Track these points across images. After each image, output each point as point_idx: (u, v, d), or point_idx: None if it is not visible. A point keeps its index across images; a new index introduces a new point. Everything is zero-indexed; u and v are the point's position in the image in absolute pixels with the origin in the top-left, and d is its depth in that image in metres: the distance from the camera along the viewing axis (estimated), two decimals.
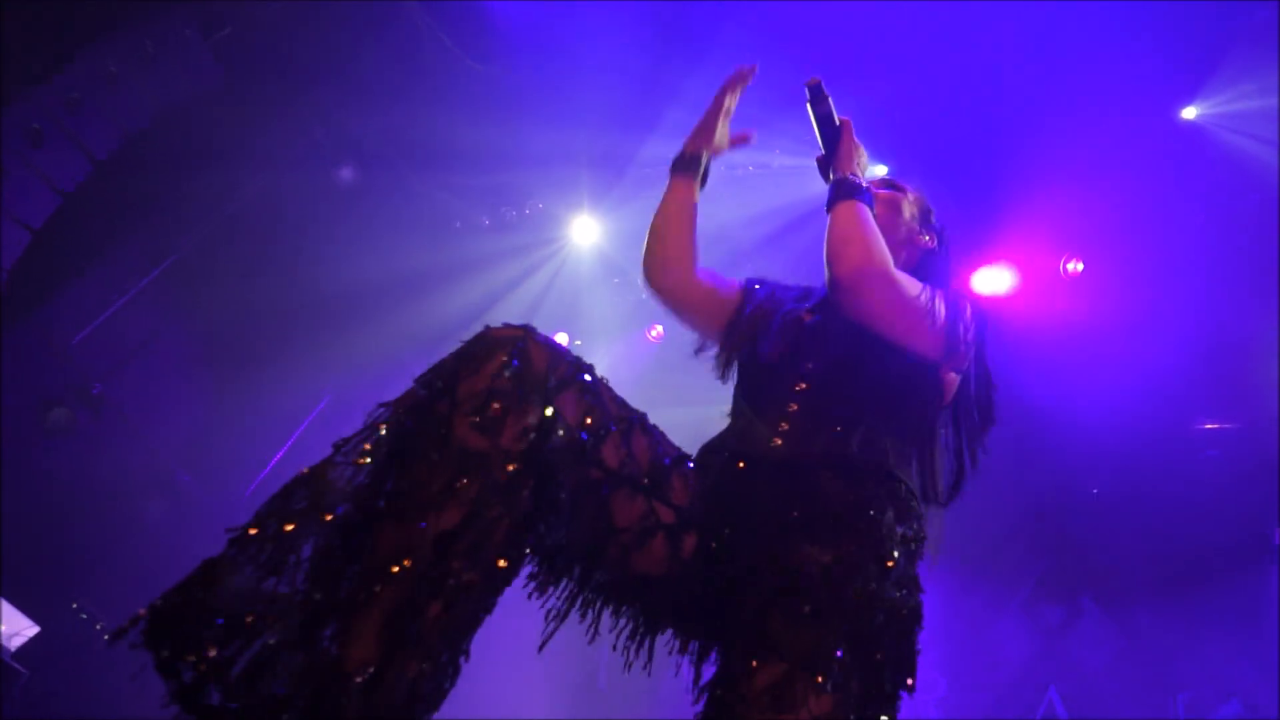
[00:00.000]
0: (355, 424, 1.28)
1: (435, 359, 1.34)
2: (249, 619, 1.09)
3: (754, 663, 1.35)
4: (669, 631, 1.56)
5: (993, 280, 5.03)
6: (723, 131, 1.85)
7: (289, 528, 1.15)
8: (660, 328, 6.03)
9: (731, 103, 1.85)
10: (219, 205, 4.96)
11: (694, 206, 1.83)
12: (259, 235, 5.14)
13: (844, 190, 1.68)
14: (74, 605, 4.42)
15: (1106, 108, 4.62)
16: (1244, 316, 4.83)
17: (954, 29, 4.43)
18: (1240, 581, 5.05)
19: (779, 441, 1.58)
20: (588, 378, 1.38)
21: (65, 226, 4.10)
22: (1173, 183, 4.74)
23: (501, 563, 1.25)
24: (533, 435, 1.27)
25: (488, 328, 1.35)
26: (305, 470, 1.22)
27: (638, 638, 1.53)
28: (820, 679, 1.32)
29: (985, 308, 1.75)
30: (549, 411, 1.30)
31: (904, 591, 1.45)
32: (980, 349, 1.73)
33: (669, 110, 4.71)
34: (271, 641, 1.08)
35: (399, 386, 1.32)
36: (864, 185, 1.71)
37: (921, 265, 1.86)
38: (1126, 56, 4.42)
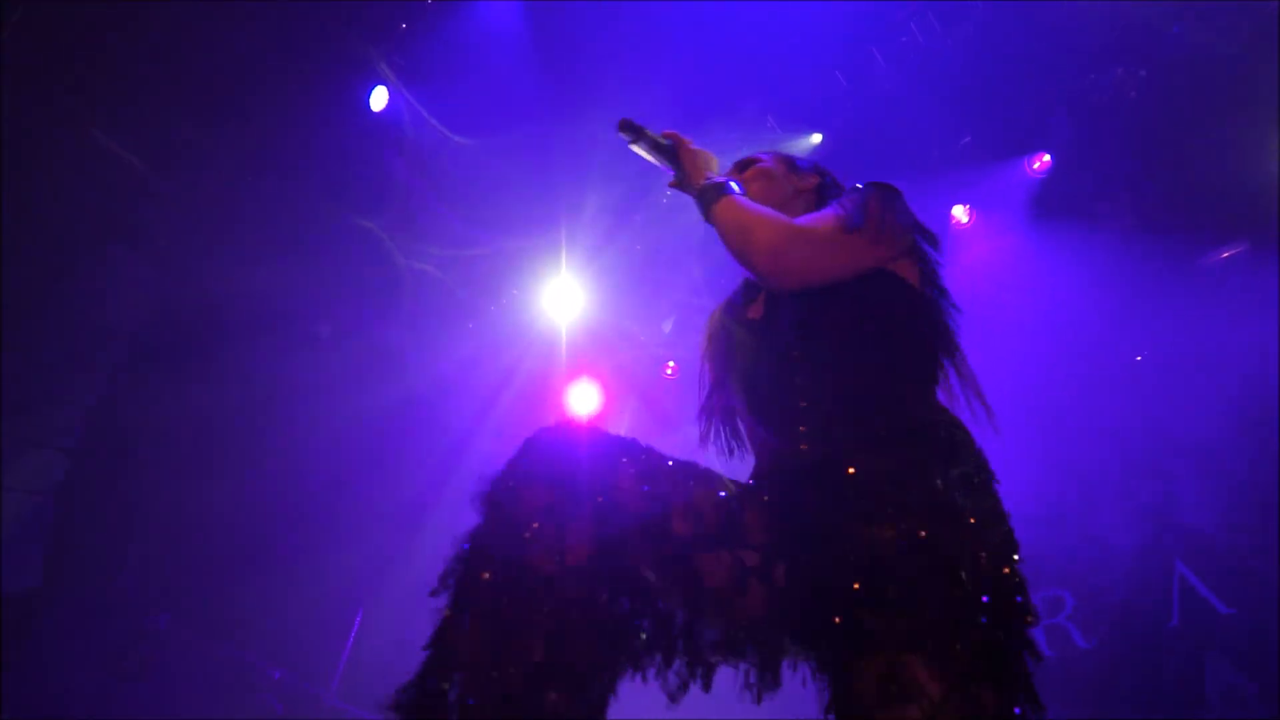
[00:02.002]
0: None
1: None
2: None
3: (858, 662, 1.32)
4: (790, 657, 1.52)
5: None
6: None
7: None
8: (673, 363, 6.01)
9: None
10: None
11: None
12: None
13: (708, 195, 1.68)
14: None
15: None
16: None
17: None
18: None
19: (805, 446, 1.55)
20: (640, 456, 1.41)
21: None
22: None
23: (599, 676, 1.25)
24: (599, 539, 1.27)
25: (535, 434, 1.38)
26: (431, 638, 1.23)
27: (766, 674, 1.48)
28: (926, 658, 1.28)
29: (888, 186, 1.70)
30: (608, 509, 1.30)
31: (981, 534, 1.40)
32: (914, 222, 1.68)
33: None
34: None
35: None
36: (723, 180, 1.71)
37: (821, 202, 1.85)
38: None
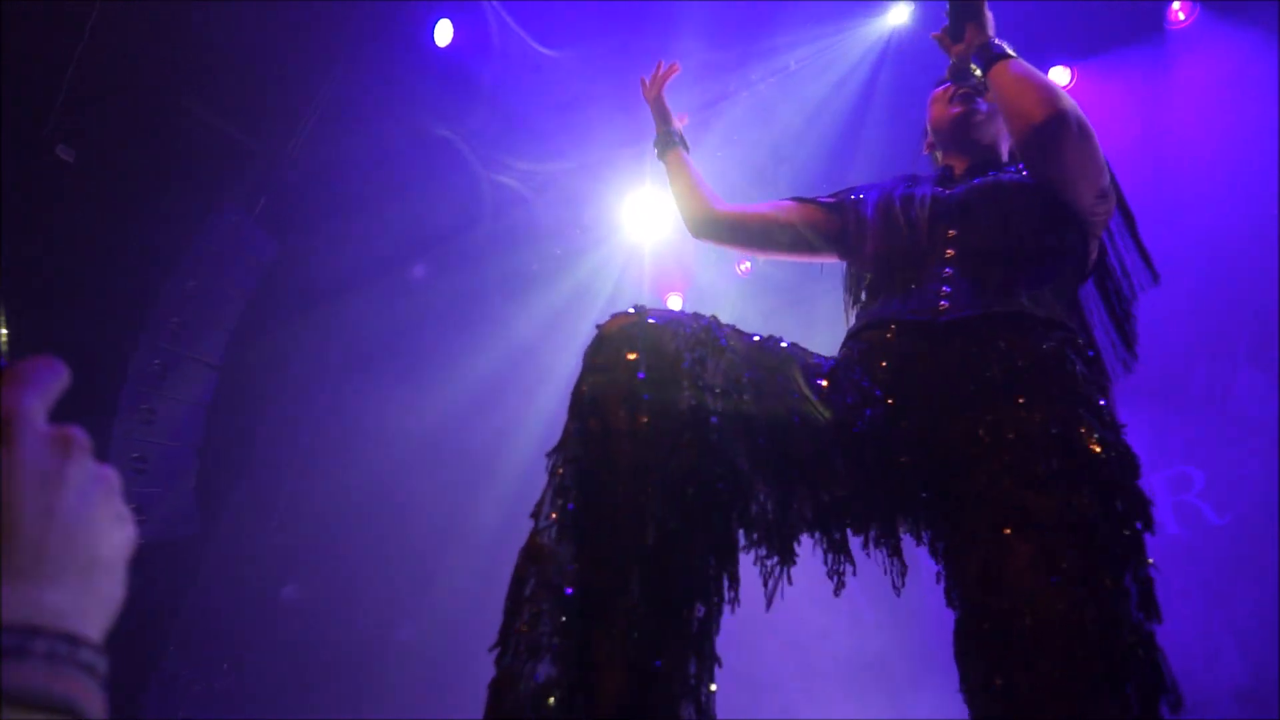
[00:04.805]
0: None
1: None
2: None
3: (1007, 534, 1.30)
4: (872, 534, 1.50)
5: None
6: (667, 110, 2.14)
7: (531, 615, 1.14)
8: (748, 263, 5.95)
9: (658, 91, 2.14)
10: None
11: (690, 165, 2.11)
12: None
13: (993, 51, 1.67)
14: None
15: None
16: None
17: None
18: None
19: (945, 305, 1.54)
20: (718, 335, 1.34)
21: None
22: None
23: (714, 556, 1.24)
24: (690, 424, 1.23)
25: (600, 328, 1.32)
26: (522, 548, 1.20)
27: (837, 552, 1.47)
28: (1076, 537, 1.27)
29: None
30: (696, 391, 1.25)
31: (1117, 435, 1.41)
32: (1122, 206, 1.72)
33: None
34: None
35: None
36: (1007, 49, 1.68)
37: None
38: None
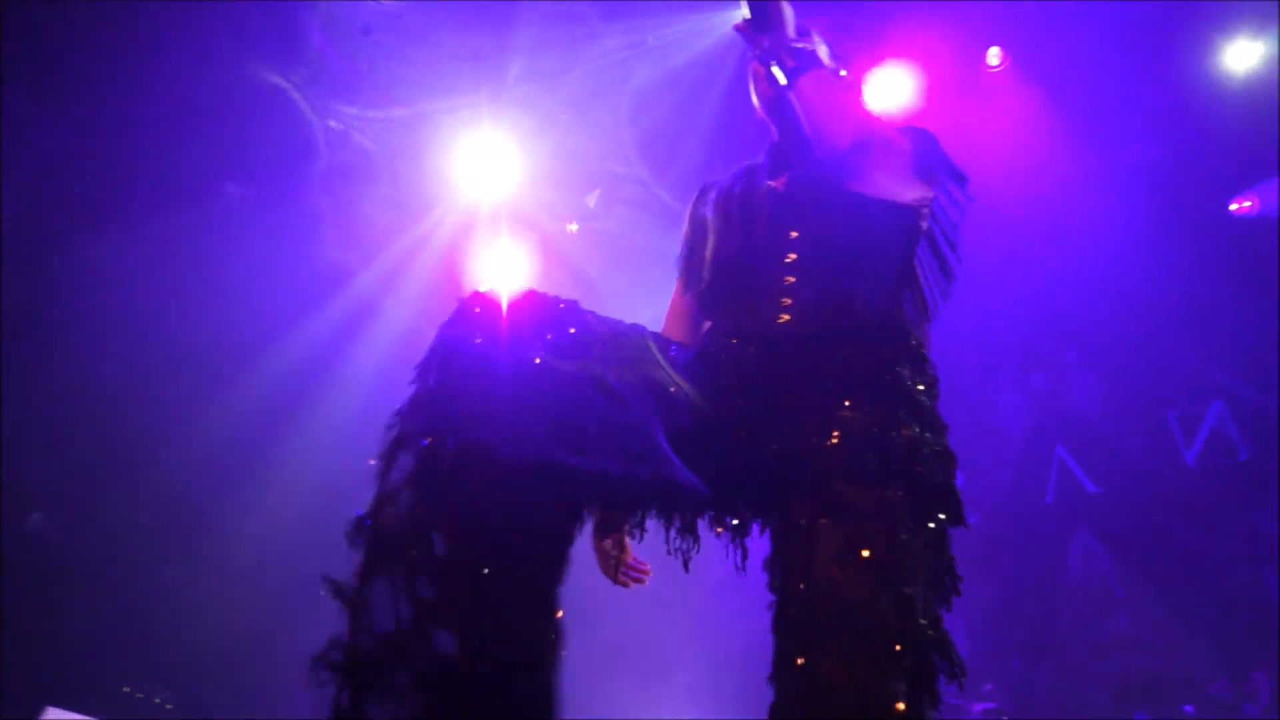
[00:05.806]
0: None
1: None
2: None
3: (823, 523, 1.39)
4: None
5: (891, 86, 4.68)
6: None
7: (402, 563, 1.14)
8: (575, 224, 5.92)
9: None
10: None
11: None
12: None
13: (797, 59, 1.65)
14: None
15: None
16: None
17: None
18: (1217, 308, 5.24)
19: (786, 317, 1.59)
20: (572, 323, 1.39)
21: None
22: None
23: (563, 532, 1.29)
24: (581, 408, 1.27)
25: (461, 303, 1.33)
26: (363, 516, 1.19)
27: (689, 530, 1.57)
28: (882, 526, 1.37)
29: (929, 131, 1.76)
30: (593, 380, 1.30)
31: (937, 434, 1.51)
32: (945, 172, 1.74)
33: None
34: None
35: None
36: (809, 50, 1.67)
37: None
38: None
